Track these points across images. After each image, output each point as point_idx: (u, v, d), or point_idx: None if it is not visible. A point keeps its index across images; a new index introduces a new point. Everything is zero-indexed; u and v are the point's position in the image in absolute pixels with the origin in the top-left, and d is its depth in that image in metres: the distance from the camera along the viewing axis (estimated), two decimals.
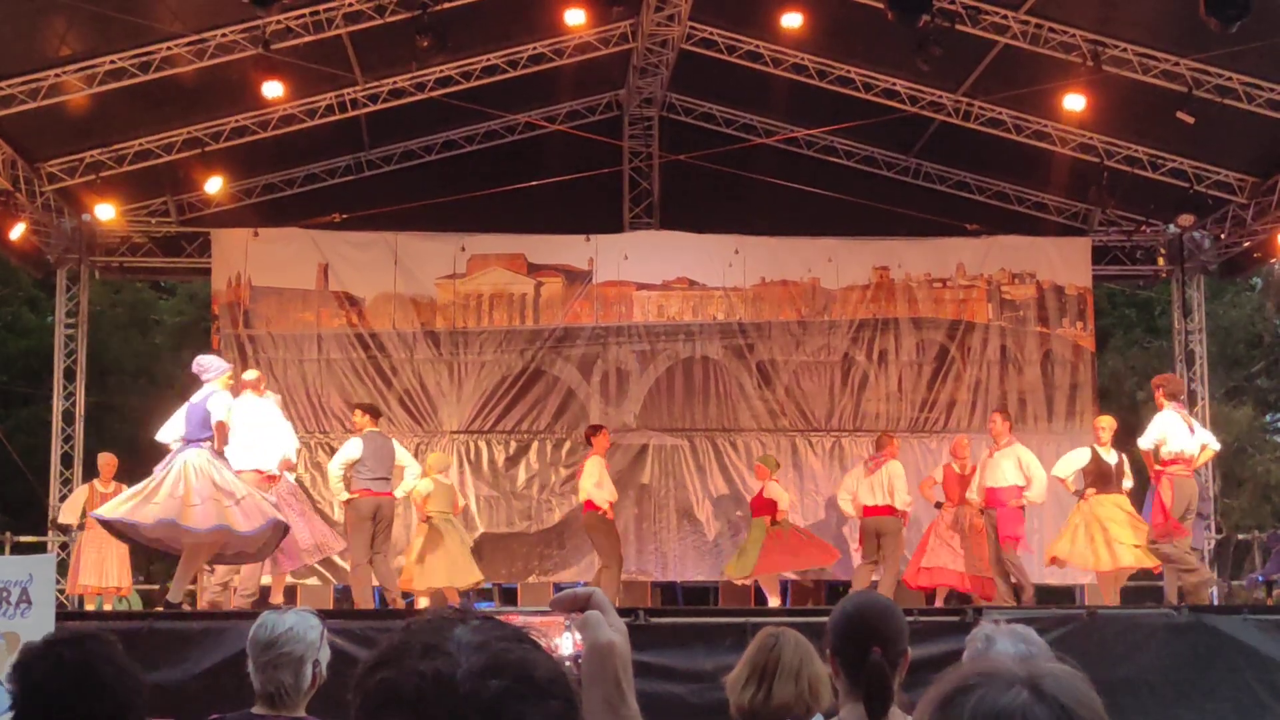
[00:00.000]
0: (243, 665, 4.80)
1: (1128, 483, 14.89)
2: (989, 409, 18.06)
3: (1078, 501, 14.81)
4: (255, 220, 18.85)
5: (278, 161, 18.84)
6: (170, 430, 12.68)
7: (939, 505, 16.28)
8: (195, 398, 12.45)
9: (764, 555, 16.13)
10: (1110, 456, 14.65)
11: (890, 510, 15.73)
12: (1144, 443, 13.75)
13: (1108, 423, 15.03)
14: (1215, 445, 14.19)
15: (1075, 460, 14.84)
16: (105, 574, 16.01)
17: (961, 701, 1.71)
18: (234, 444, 12.59)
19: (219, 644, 10.45)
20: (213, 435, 12.16)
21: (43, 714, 3.53)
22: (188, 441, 12.21)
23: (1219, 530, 20.09)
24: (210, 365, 12.73)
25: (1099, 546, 14.31)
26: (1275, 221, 18.04)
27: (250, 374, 14.18)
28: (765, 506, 16.44)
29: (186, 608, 12.85)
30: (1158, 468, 13.59)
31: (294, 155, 18.75)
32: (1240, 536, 20.61)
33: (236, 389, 13.25)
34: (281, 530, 12.54)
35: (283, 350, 18.32)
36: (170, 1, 15.13)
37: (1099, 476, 14.56)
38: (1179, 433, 13.48)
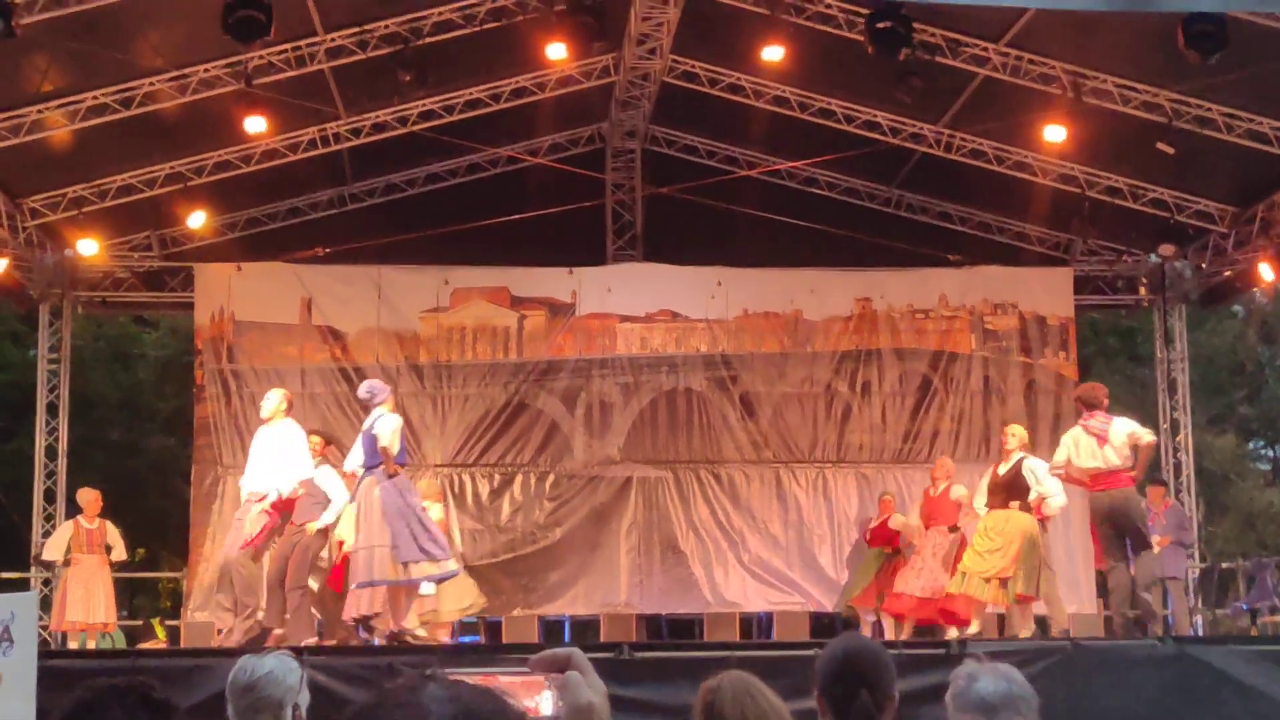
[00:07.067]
0: (224, 705, 4.79)
1: (1051, 496, 13.53)
2: (973, 439, 18.13)
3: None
4: (238, 255, 18.84)
5: (260, 196, 18.84)
6: (353, 459, 12.83)
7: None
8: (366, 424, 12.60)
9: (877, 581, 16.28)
10: (1006, 467, 13.58)
11: None
12: (1052, 470, 13.16)
13: (1016, 431, 14.01)
14: (1148, 437, 12.89)
15: (983, 483, 13.93)
16: (92, 610, 15.92)
17: None
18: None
19: (202, 683, 10.39)
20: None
21: None
22: (367, 469, 12.39)
23: (1203, 558, 20.13)
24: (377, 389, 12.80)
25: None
26: (1255, 250, 18.09)
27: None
28: (887, 537, 16.64)
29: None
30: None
31: (277, 189, 18.75)
32: (1224, 565, 20.64)
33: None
34: None
35: (266, 385, 18.14)
36: (152, 37, 15.16)
37: (990, 490, 13.60)
38: (1082, 448, 12.73)
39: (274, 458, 13.05)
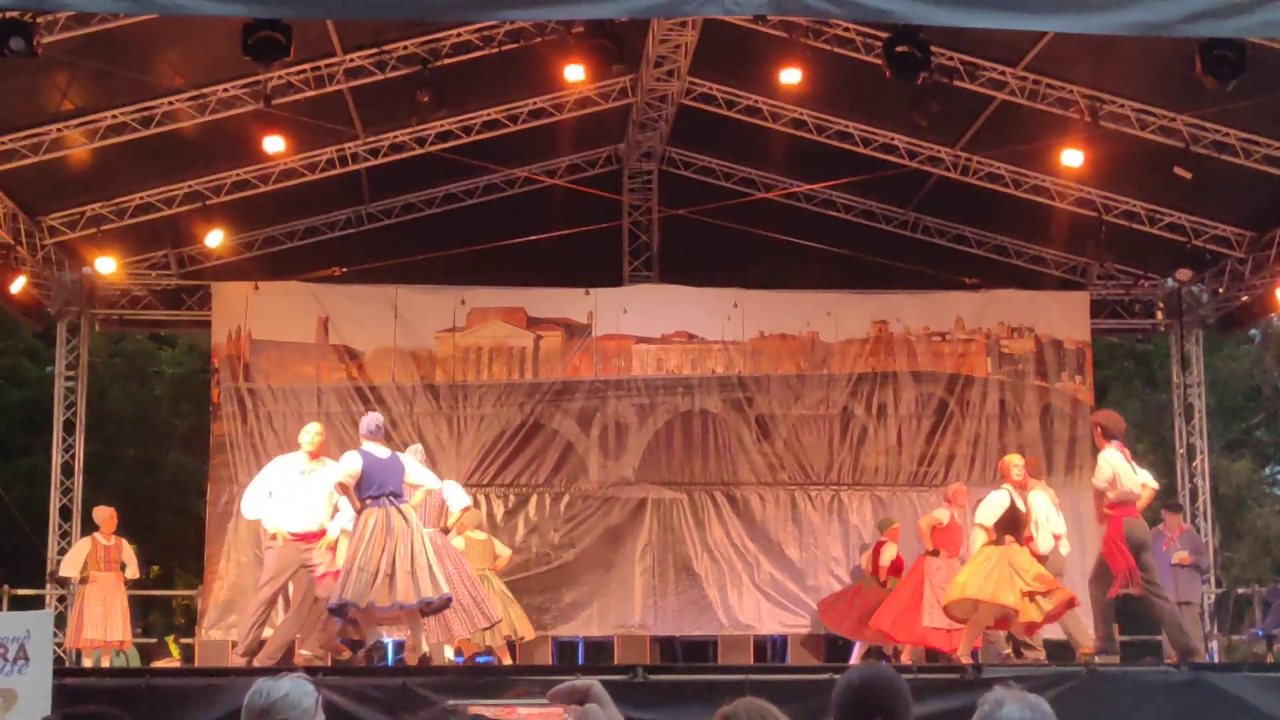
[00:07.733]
0: None
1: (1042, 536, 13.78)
2: (988, 463, 18.04)
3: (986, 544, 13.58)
4: (255, 274, 18.88)
5: (278, 215, 18.88)
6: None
7: (934, 553, 16.14)
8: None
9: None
10: (1023, 501, 13.54)
11: None
12: (1099, 481, 12.94)
13: (1018, 460, 13.94)
14: (1154, 484, 13.17)
15: (998, 505, 13.49)
16: (109, 628, 15.95)
17: None
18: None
19: (216, 701, 10.41)
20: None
21: None
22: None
23: (1219, 584, 20.07)
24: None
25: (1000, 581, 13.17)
26: (1273, 276, 18.04)
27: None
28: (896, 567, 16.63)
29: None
30: (1107, 511, 12.80)
31: (294, 209, 18.79)
32: (1240, 590, 20.57)
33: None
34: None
35: (282, 404, 18.32)
36: (172, 57, 15.20)
37: (1012, 522, 13.40)
38: (1127, 471, 12.73)
39: (328, 498, 13.04)
